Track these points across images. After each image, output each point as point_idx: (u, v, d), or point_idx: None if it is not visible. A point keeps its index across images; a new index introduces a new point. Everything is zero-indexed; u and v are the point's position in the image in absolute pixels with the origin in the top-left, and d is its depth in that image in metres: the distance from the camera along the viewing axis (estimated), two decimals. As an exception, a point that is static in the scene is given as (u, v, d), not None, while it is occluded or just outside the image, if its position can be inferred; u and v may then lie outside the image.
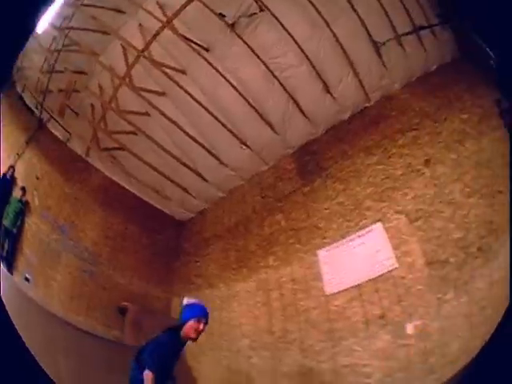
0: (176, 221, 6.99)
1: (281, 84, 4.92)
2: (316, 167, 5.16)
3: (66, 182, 6.10)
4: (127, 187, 6.53)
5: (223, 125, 5.34)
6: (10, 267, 5.11)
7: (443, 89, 4.43)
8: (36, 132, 5.98)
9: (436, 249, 3.54)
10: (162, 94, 5.29)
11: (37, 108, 6.08)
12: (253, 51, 4.73)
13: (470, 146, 3.94)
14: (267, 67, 4.83)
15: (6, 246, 5.44)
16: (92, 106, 5.82)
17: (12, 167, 5.81)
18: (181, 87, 5.09)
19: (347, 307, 3.99)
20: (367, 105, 5.06)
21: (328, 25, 4.50)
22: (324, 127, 5.30)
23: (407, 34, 4.57)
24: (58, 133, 6.12)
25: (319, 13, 4.42)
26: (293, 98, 5.01)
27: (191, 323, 2.50)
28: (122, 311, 5.60)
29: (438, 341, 3.23)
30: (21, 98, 6.27)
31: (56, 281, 5.43)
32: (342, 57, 4.71)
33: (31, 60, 5.65)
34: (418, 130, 4.33)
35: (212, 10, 4.48)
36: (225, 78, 4.95)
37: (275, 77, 4.88)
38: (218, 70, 4.91)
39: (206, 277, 5.89)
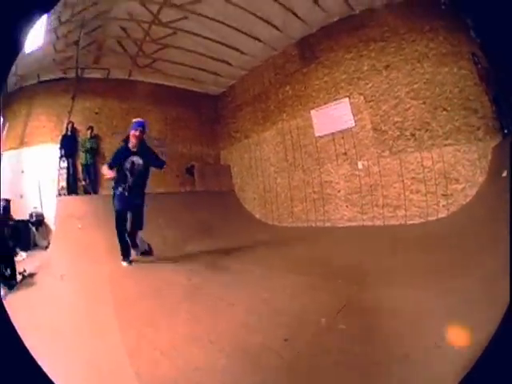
0: (211, 96, 9.55)
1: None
2: (311, 55, 6.97)
3: (120, 102, 7.95)
4: (169, 84, 8.56)
5: (243, 32, 6.86)
6: (96, 191, 6.99)
7: (421, 18, 5.23)
8: (76, 86, 7.08)
9: (379, 122, 5.78)
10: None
11: (65, 73, 7.17)
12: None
13: (427, 66, 5.15)
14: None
15: (87, 178, 7.04)
16: (120, 43, 6.98)
17: (70, 122, 7.02)
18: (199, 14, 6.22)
19: (327, 145, 6.68)
20: (353, 13, 6.15)
21: None
22: (316, 27, 6.74)
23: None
24: (98, 74, 7.68)
25: None
26: (290, 10, 6.21)
27: (132, 133, 3.45)
28: (190, 170, 8.42)
29: (378, 177, 5.77)
30: (40, 82, 7.13)
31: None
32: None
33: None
34: (387, 42, 5.67)
35: None
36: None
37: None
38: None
39: (242, 131, 8.82)
